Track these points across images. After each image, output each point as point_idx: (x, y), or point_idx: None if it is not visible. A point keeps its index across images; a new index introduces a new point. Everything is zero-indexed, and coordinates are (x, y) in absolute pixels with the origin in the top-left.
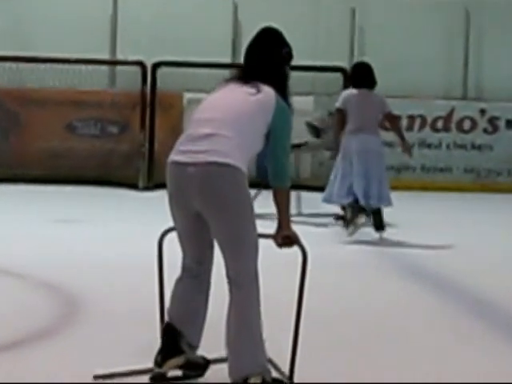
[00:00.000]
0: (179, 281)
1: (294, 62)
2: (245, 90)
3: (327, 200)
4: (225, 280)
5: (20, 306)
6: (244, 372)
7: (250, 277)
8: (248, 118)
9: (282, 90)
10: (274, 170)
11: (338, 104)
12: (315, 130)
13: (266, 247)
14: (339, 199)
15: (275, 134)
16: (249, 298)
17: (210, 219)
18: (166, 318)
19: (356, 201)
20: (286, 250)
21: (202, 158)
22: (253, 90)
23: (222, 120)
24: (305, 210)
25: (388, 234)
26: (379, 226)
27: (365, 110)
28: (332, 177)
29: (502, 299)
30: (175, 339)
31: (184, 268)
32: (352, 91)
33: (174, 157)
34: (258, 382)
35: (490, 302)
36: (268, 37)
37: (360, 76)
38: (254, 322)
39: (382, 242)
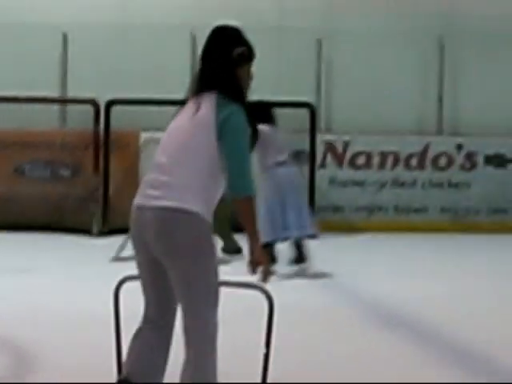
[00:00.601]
0: (139, 332)
1: (259, 98)
2: (188, 112)
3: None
4: None
5: None
6: None
7: (202, 334)
8: (193, 150)
9: (237, 95)
10: (230, 177)
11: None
12: None
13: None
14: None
15: (226, 140)
16: (201, 358)
17: (166, 266)
18: (123, 372)
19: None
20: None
21: (157, 202)
22: (193, 109)
23: (171, 163)
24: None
25: (360, 279)
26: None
27: (276, 144)
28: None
29: (480, 348)
30: None
31: (145, 319)
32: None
33: (136, 200)
34: None
35: (467, 351)
36: (216, 37)
37: (261, 113)
38: (209, 371)
39: (356, 290)
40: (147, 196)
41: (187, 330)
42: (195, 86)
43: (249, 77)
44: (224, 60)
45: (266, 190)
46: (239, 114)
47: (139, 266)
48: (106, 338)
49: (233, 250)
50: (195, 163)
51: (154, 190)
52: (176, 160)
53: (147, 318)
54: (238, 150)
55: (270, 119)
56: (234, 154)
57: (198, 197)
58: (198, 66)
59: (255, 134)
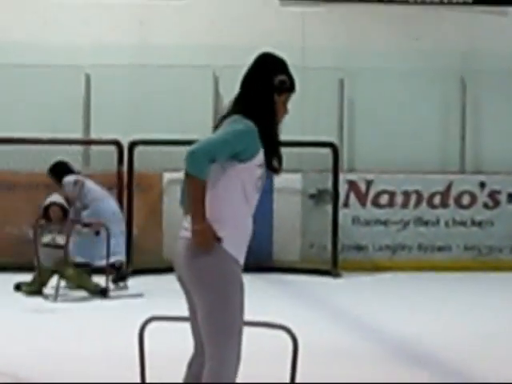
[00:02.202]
0: (190, 362)
1: (282, 138)
2: None
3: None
4: None
5: None
6: None
7: (223, 358)
8: (212, 181)
9: (265, 117)
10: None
11: None
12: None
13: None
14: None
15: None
16: (217, 376)
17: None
18: None
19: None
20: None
21: (186, 233)
22: None
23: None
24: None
25: (383, 319)
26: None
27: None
28: None
29: None
30: None
31: (194, 349)
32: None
33: None
34: None
35: None
36: (259, 62)
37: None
38: None
39: (380, 329)
40: (182, 227)
41: (207, 363)
42: (228, 110)
43: (285, 109)
44: (264, 85)
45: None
46: (244, 125)
47: (188, 301)
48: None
49: None
50: (217, 193)
51: (186, 222)
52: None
53: (196, 349)
54: (208, 140)
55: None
56: (205, 139)
57: (224, 226)
58: (220, 106)
59: (272, 157)
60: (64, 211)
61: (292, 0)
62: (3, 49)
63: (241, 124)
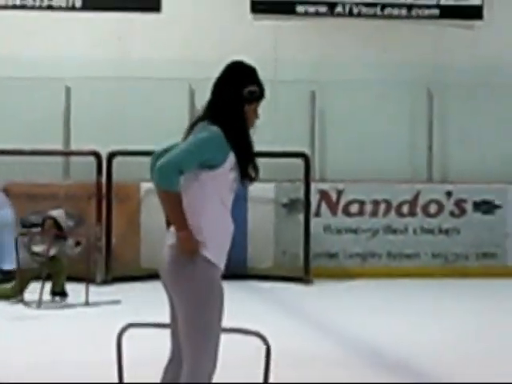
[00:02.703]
0: (167, 366)
1: (255, 148)
2: None
3: None
4: None
5: None
6: None
7: (199, 364)
8: (185, 188)
9: (236, 130)
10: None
11: None
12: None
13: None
14: None
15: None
16: (193, 381)
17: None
18: None
19: None
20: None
21: (170, 242)
22: None
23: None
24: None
25: (354, 325)
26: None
27: None
28: None
29: None
30: None
31: (171, 356)
32: None
33: None
34: None
35: None
36: (229, 71)
37: None
38: None
39: (350, 335)
40: (167, 237)
41: (186, 363)
42: (197, 118)
43: (255, 115)
44: (234, 96)
45: None
46: (209, 132)
47: (170, 306)
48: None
49: None
50: (192, 201)
51: (170, 232)
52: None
53: (173, 353)
54: (174, 152)
55: None
56: (170, 154)
57: (202, 233)
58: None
59: (245, 165)
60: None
61: (265, 14)
62: None
63: (205, 131)
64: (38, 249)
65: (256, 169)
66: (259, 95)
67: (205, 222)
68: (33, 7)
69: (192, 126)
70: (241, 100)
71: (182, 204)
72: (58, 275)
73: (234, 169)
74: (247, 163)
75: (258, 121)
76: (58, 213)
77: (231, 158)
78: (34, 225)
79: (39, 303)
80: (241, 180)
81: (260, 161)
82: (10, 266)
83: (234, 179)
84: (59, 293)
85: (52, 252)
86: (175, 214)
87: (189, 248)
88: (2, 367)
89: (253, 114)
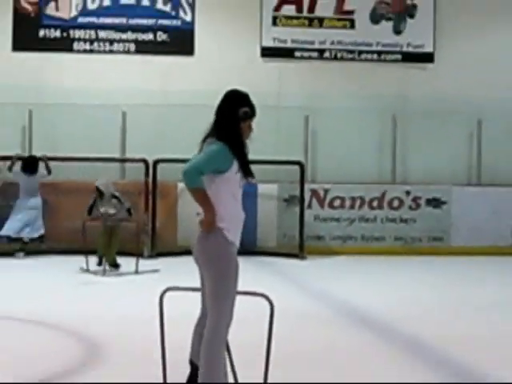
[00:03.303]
0: (198, 322)
1: (263, 158)
2: None
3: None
4: None
5: (53, 349)
6: (202, 380)
7: (220, 318)
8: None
9: (232, 139)
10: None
11: None
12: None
13: (243, 301)
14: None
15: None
16: (215, 332)
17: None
18: (190, 354)
19: None
20: (259, 305)
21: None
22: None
23: None
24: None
25: (337, 289)
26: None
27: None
28: None
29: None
30: (197, 370)
31: (201, 314)
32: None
33: None
34: None
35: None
36: (226, 98)
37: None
38: (217, 350)
39: (333, 296)
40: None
41: (210, 321)
42: (206, 134)
43: (250, 129)
44: (231, 116)
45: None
46: (217, 146)
47: (200, 276)
48: (153, 333)
49: None
50: (212, 198)
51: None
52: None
53: (202, 312)
54: (193, 162)
55: (32, 170)
56: (190, 163)
57: (221, 220)
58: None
59: (245, 168)
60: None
61: (271, 58)
62: (60, 93)
63: (214, 146)
64: (101, 210)
65: (249, 171)
66: (251, 114)
67: (223, 212)
68: (98, 51)
69: (204, 140)
70: (237, 119)
71: (207, 195)
72: (111, 249)
73: (238, 172)
74: (247, 167)
75: (266, 137)
76: (99, 181)
77: (235, 165)
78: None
79: (103, 272)
80: (244, 178)
81: (266, 167)
82: (37, 234)
83: (240, 179)
84: (113, 265)
85: (111, 211)
86: (201, 200)
87: (209, 225)
88: (82, 318)
89: (247, 129)
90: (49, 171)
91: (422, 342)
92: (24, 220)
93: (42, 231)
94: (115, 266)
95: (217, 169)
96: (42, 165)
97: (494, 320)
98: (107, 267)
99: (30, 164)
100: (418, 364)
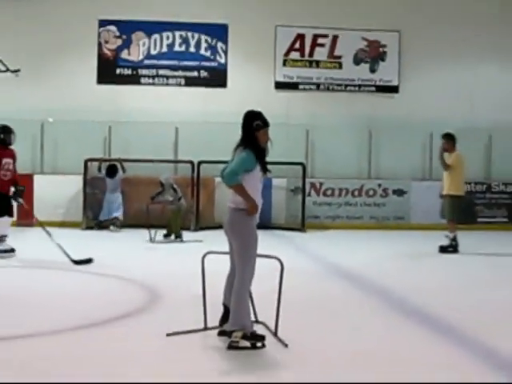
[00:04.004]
0: (229, 274)
1: (276, 160)
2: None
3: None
4: None
5: (120, 296)
6: (232, 327)
7: (245, 274)
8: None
9: (254, 146)
10: (225, 175)
11: None
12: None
13: (261, 262)
14: None
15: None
16: (241, 284)
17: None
18: (223, 299)
19: None
20: (272, 265)
21: (231, 205)
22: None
23: None
24: (278, 241)
25: (329, 252)
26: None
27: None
28: None
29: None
30: (228, 312)
31: (231, 268)
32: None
33: None
34: (239, 335)
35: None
36: (245, 116)
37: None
38: (243, 297)
39: (325, 258)
40: (228, 203)
41: (238, 272)
42: (237, 145)
43: (266, 137)
44: (249, 128)
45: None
46: (246, 152)
47: (229, 244)
48: (198, 285)
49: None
50: (245, 188)
51: (230, 201)
52: None
53: (231, 269)
54: (231, 168)
55: (113, 174)
56: (229, 169)
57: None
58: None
59: (264, 166)
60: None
61: (282, 89)
62: (131, 113)
63: (244, 153)
64: (163, 198)
65: (266, 167)
66: (263, 125)
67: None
68: (158, 84)
69: (235, 149)
70: (252, 130)
71: (245, 189)
72: (176, 225)
73: (260, 170)
74: (265, 166)
75: (277, 146)
76: (163, 176)
77: (258, 166)
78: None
79: (153, 239)
80: (263, 175)
81: (279, 166)
82: (116, 214)
83: (261, 176)
84: (178, 236)
85: (170, 198)
86: (244, 195)
87: (252, 209)
88: (147, 273)
89: (263, 137)
90: (123, 171)
91: (391, 289)
92: (110, 208)
93: (117, 214)
94: (179, 236)
95: (246, 169)
96: (119, 165)
97: (436, 267)
98: (173, 237)
99: (111, 170)
100: (396, 309)
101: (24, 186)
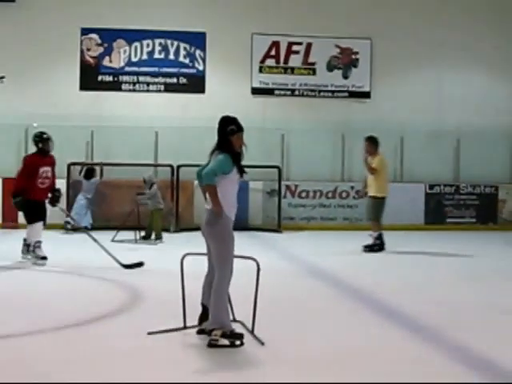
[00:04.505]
0: (207, 276)
1: (253, 163)
2: None
3: None
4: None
5: (101, 296)
6: (211, 326)
7: (223, 274)
8: (219, 186)
9: (228, 149)
10: (203, 175)
11: None
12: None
13: (238, 262)
14: None
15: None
16: (220, 284)
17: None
18: (201, 299)
19: None
20: (249, 266)
21: (207, 207)
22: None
23: None
24: (255, 241)
25: (303, 252)
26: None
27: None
28: None
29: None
30: (207, 311)
31: (208, 269)
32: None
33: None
34: (219, 333)
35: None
36: (220, 121)
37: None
38: (222, 297)
39: (299, 257)
40: (205, 206)
41: (217, 270)
42: (213, 148)
43: (240, 141)
44: (223, 133)
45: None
46: (223, 156)
47: (206, 245)
48: (176, 284)
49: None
50: (221, 190)
51: (207, 204)
52: None
53: (209, 269)
54: (210, 167)
55: (89, 177)
56: (208, 168)
57: (225, 204)
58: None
59: (240, 169)
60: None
61: (258, 94)
62: (112, 119)
63: (221, 156)
64: (142, 201)
65: (244, 171)
66: (236, 130)
67: (226, 200)
68: (139, 91)
69: (211, 153)
70: (226, 134)
71: (217, 192)
72: (156, 226)
73: (236, 173)
74: (241, 169)
75: (253, 150)
76: (146, 174)
77: (235, 168)
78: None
79: (136, 240)
80: (240, 177)
81: (255, 170)
82: (86, 224)
83: (238, 178)
84: (158, 237)
85: (148, 202)
86: (213, 196)
87: (219, 214)
88: (127, 272)
89: (237, 141)
90: (101, 176)
91: (363, 289)
92: (78, 212)
93: (86, 224)
94: (159, 238)
95: (223, 171)
96: (98, 170)
97: (405, 270)
98: (153, 237)
99: (88, 173)
100: (370, 307)
101: (59, 189)
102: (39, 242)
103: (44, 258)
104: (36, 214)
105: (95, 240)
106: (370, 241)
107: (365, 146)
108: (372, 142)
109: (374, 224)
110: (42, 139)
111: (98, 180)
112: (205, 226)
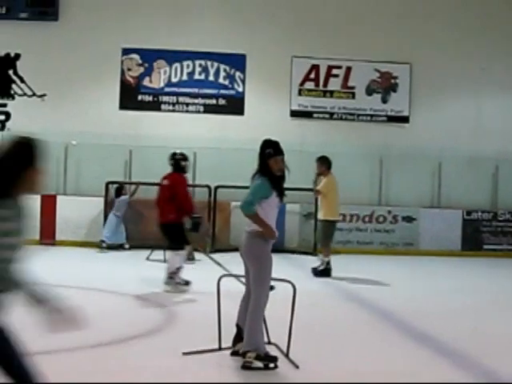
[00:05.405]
0: (244, 297)
1: (291, 186)
2: None
3: None
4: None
5: (138, 315)
6: (245, 348)
7: (260, 296)
8: (260, 210)
9: (266, 173)
10: (241, 207)
11: None
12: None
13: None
14: None
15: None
16: (256, 306)
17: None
18: (237, 320)
19: None
20: (285, 289)
21: (247, 229)
22: None
23: None
24: (295, 265)
25: (341, 276)
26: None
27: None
28: None
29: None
30: (241, 332)
31: (246, 291)
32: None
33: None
34: (253, 356)
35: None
36: (261, 145)
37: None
38: (257, 319)
39: (337, 282)
40: (245, 228)
41: (253, 293)
42: (255, 172)
43: (278, 165)
44: (263, 155)
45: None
46: (261, 180)
47: (245, 267)
48: (213, 304)
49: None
50: (262, 214)
51: (247, 225)
52: None
53: (246, 291)
54: (249, 194)
55: (119, 195)
56: (245, 198)
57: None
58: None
59: (280, 192)
60: None
61: (297, 117)
62: (151, 138)
63: (259, 180)
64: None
65: (283, 195)
66: (274, 153)
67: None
68: (178, 111)
69: (253, 176)
70: (265, 157)
71: (259, 217)
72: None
73: (276, 196)
74: (281, 193)
75: (293, 171)
76: None
77: (274, 192)
78: None
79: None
80: (279, 200)
81: (292, 192)
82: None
83: (277, 201)
84: (190, 258)
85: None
86: (260, 222)
87: (270, 235)
88: (159, 293)
89: (275, 165)
90: (132, 194)
91: (399, 312)
92: (112, 230)
93: (123, 241)
94: (192, 259)
95: (262, 196)
96: (132, 189)
97: (443, 297)
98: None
99: (117, 191)
100: (405, 332)
101: (197, 215)
102: (180, 267)
103: (187, 283)
104: (185, 238)
105: (219, 264)
106: (316, 263)
107: (316, 166)
108: (323, 162)
109: (323, 249)
110: (185, 158)
111: (128, 198)
112: (244, 248)
